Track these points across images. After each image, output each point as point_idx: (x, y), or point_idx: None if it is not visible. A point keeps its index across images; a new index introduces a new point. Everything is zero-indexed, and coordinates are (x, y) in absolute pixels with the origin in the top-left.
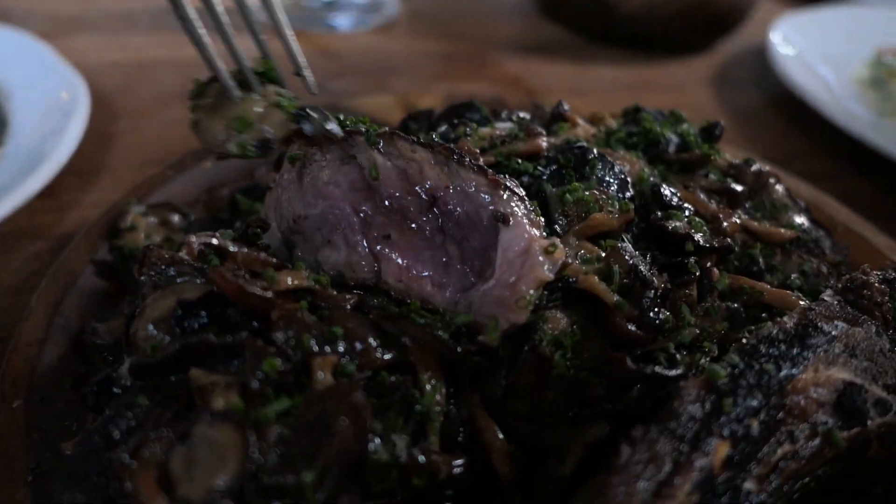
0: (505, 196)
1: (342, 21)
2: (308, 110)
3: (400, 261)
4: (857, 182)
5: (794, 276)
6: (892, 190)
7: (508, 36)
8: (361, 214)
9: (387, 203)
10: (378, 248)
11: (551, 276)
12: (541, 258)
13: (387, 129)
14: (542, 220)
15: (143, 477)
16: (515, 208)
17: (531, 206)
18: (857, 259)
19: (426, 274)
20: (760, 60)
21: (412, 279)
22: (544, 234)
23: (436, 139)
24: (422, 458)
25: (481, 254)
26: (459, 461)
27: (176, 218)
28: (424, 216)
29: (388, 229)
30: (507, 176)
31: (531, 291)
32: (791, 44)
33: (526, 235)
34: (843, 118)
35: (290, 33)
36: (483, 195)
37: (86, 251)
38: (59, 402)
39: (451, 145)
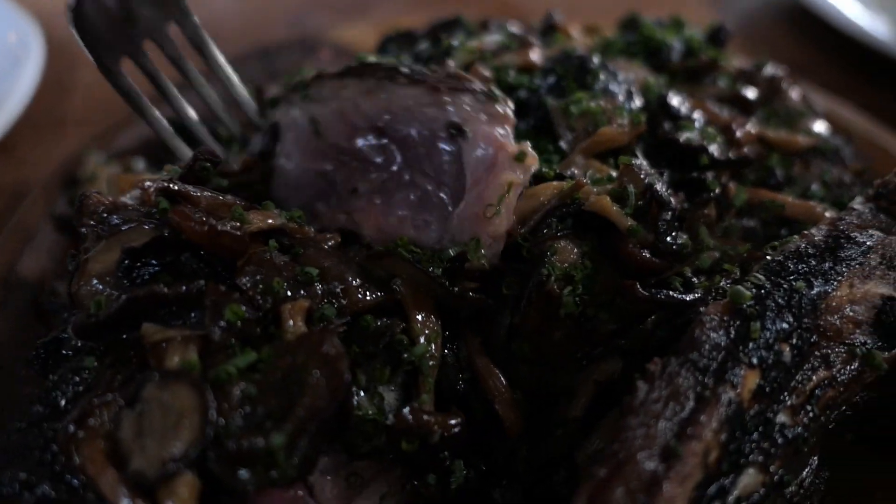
0: (449, 100)
1: None
2: None
3: (373, 211)
4: (872, 93)
5: (814, 187)
6: None
7: None
8: (325, 176)
9: (340, 154)
10: (348, 204)
11: (520, 178)
12: (508, 167)
13: (314, 73)
14: (510, 107)
15: (90, 449)
16: (468, 111)
17: (486, 95)
18: (880, 169)
19: (404, 215)
20: None
21: (391, 227)
22: (509, 130)
23: (414, 61)
24: (410, 419)
25: (455, 176)
26: (456, 420)
27: (141, 165)
28: (381, 155)
29: (351, 182)
30: (451, 73)
31: (499, 195)
32: None
33: (491, 146)
34: (852, 25)
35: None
36: (427, 109)
37: (44, 206)
38: (20, 371)
39: (383, 62)
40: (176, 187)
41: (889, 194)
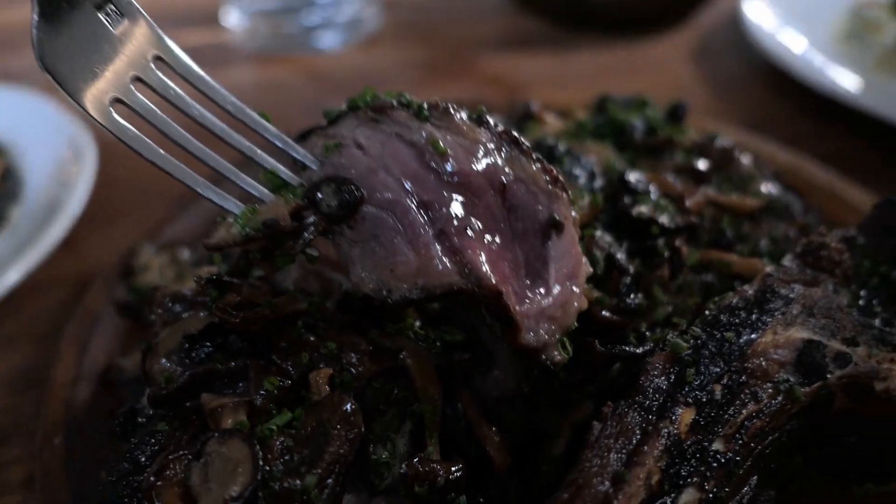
0: (564, 198)
1: (326, 41)
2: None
3: (488, 252)
4: (844, 142)
5: (763, 243)
6: (880, 146)
7: (488, 34)
8: (425, 207)
9: (456, 189)
10: (457, 241)
11: (584, 306)
12: (579, 286)
13: (432, 100)
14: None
15: (167, 495)
16: (569, 216)
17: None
18: (841, 220)
19: (511, 271)
20: (738, 28)
21: (502, 274)
22: None
23: None
24: (420, 467)
25: (535, 260)
26: (457, 466)
27: (186, 254)
28: (498, 209)
29: (464, 220)
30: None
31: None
32: (766, 10)
33: (574, 251)
34: (822, 80)
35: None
36: (542, 195)
37: (105, 294)
38: (94, 435)
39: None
40: (217, 279)
41: (812, 252)
